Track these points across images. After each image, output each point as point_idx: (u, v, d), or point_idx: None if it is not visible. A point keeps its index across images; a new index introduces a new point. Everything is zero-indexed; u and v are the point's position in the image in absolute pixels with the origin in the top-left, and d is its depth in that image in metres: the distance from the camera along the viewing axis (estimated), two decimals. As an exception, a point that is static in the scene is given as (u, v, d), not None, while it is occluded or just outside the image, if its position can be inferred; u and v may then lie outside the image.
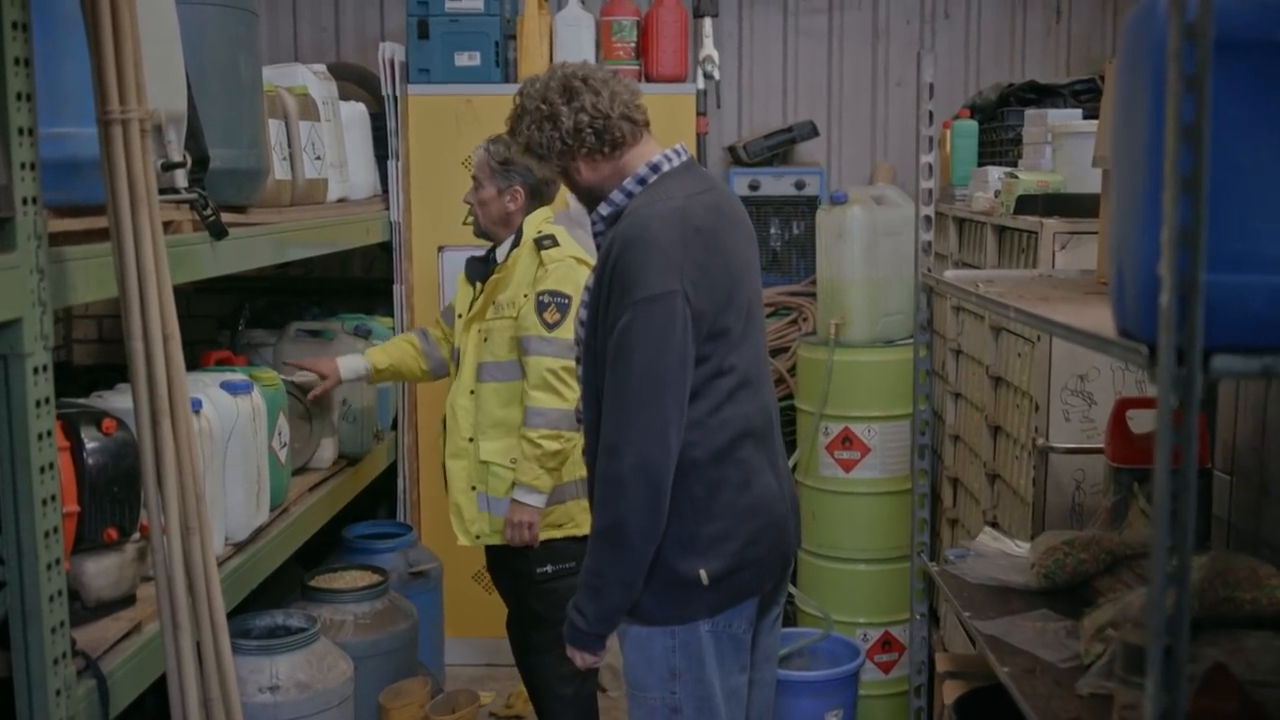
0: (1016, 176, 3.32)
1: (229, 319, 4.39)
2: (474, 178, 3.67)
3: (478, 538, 3.61)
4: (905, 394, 4.32)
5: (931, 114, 2.86)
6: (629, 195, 2.52)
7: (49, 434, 2.19)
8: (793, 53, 5.51)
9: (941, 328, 4.35)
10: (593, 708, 3.73)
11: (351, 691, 3.57)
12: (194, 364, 3.48)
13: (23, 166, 2.09)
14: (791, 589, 4.51)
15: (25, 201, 2.10)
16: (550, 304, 3.42)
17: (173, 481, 2.23)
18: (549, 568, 3.57)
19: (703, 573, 2.47)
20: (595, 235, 2.60)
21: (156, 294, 2.17)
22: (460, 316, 3.71)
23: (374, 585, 3.97)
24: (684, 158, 2.58)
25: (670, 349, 2.34)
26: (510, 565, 3.65)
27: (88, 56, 2.29)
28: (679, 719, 2.54)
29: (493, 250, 3.70)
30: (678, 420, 2.39)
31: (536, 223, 3.62)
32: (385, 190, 4.74)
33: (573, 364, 3.32)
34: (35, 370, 2.15)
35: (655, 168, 2.53)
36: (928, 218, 2.92)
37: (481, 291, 3.64)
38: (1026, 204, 3.26)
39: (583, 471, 3.32)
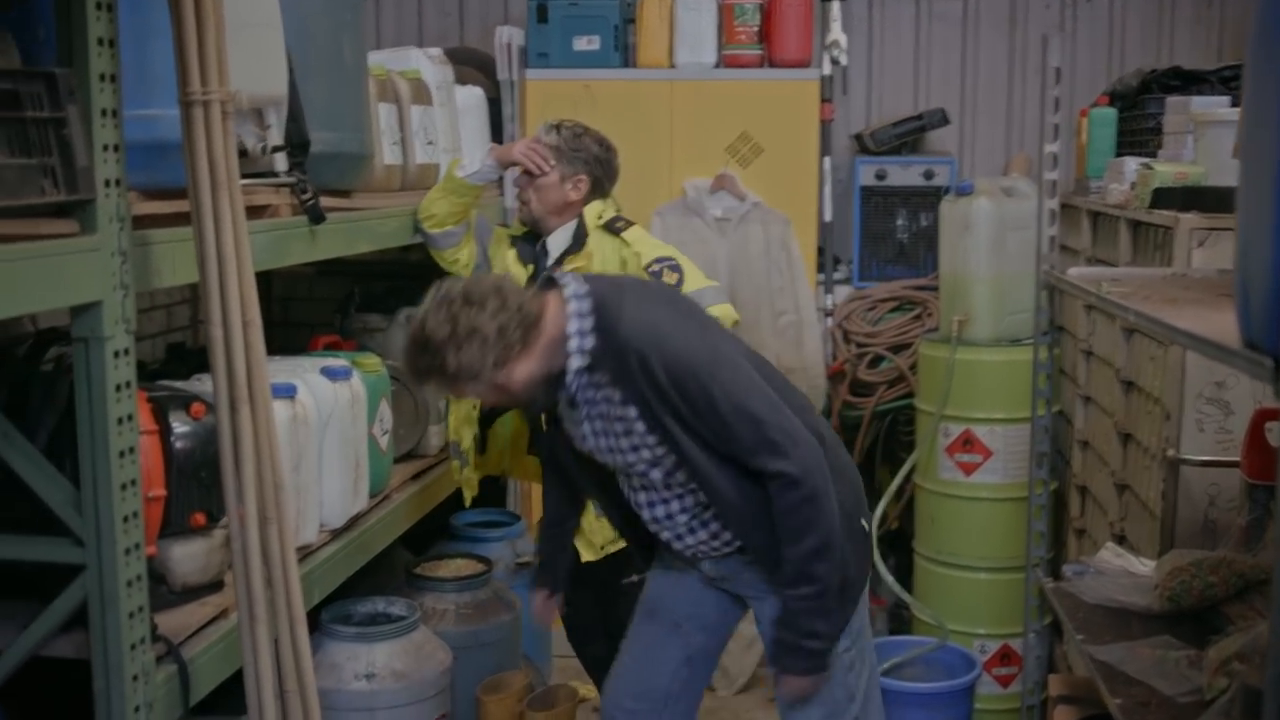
0: (1153, 168, 3.11)
1: (340, 305, 4.39)
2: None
3: (603, 549, 3.47)
4: (1030, 396, 4.13)
5: (1058, 100, 2.68)
6: (592, 326, 2.53)
7: (130, 418, 2.18)
8: (925, 37, 5.31)
9: (1073, 327, 4.14)
10: None
11: (449, 682, 3.53)
12: (305, 348, 3.50)
13: (105, 148, 2.08)
14: (906, 596, 4.36)
15: (108, 184, 2.08)
16: (662, 269, 3.32)
17: (250, 470, 2.19)
18: (635, 577, 3.46)
19: (863, 522, 2.67)
20: (577, 384, 2.59)
21: (236, 279, 2.13)
22: None
23: (477, 575, 3.92)
24: (574, 279, 2.61)
25: (753, 380, 2.54)
26: (596, 575, 3.54)
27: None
28: (853, 675, 2.68)
29: (542, 241, 3.55)
30: (791, 416, 2.54)
31: (597, 210, 3.50)
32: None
33: (718, 314, 3.21)
34: (116, 354, 2.13)
35: (579, 314, 2.54)
36: (1053, 210, 2.74)
37: (539, 280, 3.51)
38: (1163, 197, 3.05)
39: None
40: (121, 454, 2.15)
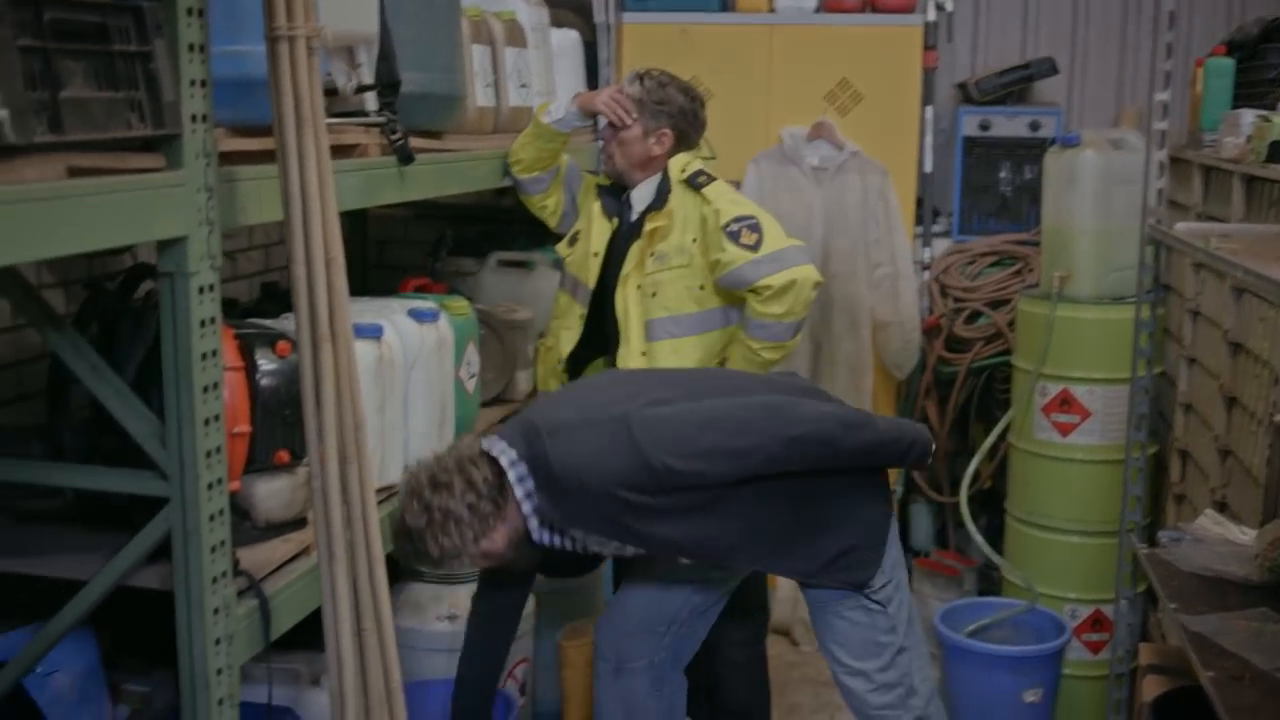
0: (1271, 120, 2.97)
1: (432, 248, 4.40)
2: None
3: None
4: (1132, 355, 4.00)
5: (1170, 47, 2.56)
6: (534, 487, 2.59)
7: (214, 354, 2.19)
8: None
9: (1180, 285, 3.99)
10: (765, 669, 3.60)
11: (531, 626, 3.55)
12: (395, 290, 3.50)
13: (192, 83, 2.07)
14: (996, 557, 4.27)
15: (194, 119, 2.08)
16: (740, 229, 3.22)
17: (331, 409, 2.19)
18: None
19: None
20: (544, 539, 2.67)
21: (320, 217, 2.12)
22: (596, 255, 3.49)
23: (562, 521, 3.92)
24: (503, 448, 2.64)
25: (692, 421, 2.61)
26: None
27: (270, -27, 2.26)
28: (892, 607, 2.73)
29: (626, 194, 3.48)
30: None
31: (680, 164, 3.41)
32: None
33: (798, 275, 3.21)
34: (201, 290, 2.14)
35: (512, 464, 2.60)
36: (1161, 163, 2.63)
37: (622, 234, 3.44)
38: (1281, 152, 2.92)
39: None
40: (205, 389, 2.16)
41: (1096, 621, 4.09)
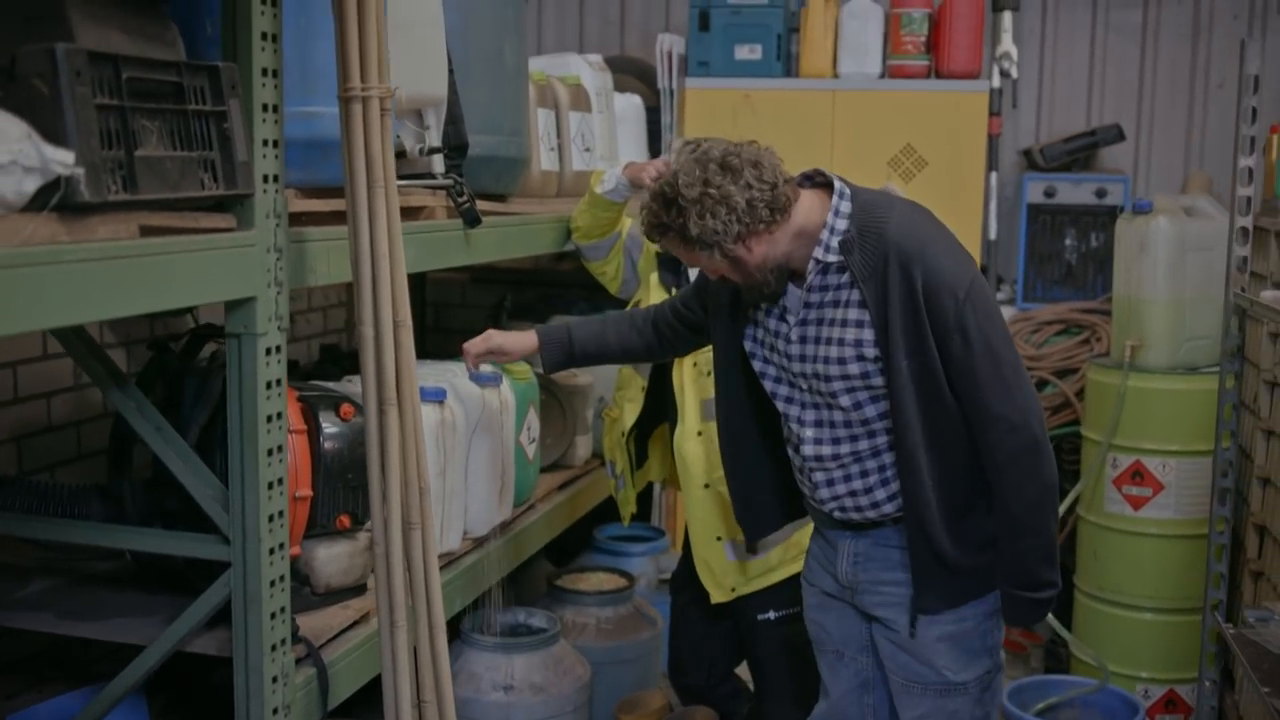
0: (1357, 188, 2.89)
1: (492, 311, 4.38)
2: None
3: (733, 590, 3.27)
4: (1207, 427, 3.89)
5: (1255, 110, 2.49)
6: (850, 226, 2.41)
7: (279, 416, 2.16)
8: (1100, 50, 5.10)
9: (1255, 356, 3.89)
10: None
11: (587, 698, 3.47)
12: (457, 354, 3.47)
13: (265, 143, 2.06)
14: (1065, 633, 4.15)
15: (266, 179, 2.07)
16: None
17: (396, 473, 2.15)
18: (772, 614, 3.31)
19: None
20: (811, 281, 2.47)
21: (389, 278, 2.10)
22: None
23: (620, 590, 3.86)
24: (839, 180, 2.49)
25: (1000, 316, 2.42)
26: (730, 613, 3.40)
27: (342, 36, 2.26)
28: (990, 695, 2.58)
29: (684, 265, 3.32)
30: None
31: None
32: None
33: None
34: (268, 351, 2.12)
35: (842, 194, 2.44)
36: (1244, 229, 2.56)
37: None
38: (1367, 220, 2.84)
39: None
40: (269, 452, 2.14)
41: (1170, 702, 3.95)
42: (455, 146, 2.82)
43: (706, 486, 3.21)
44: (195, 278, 1.93)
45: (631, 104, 4.42)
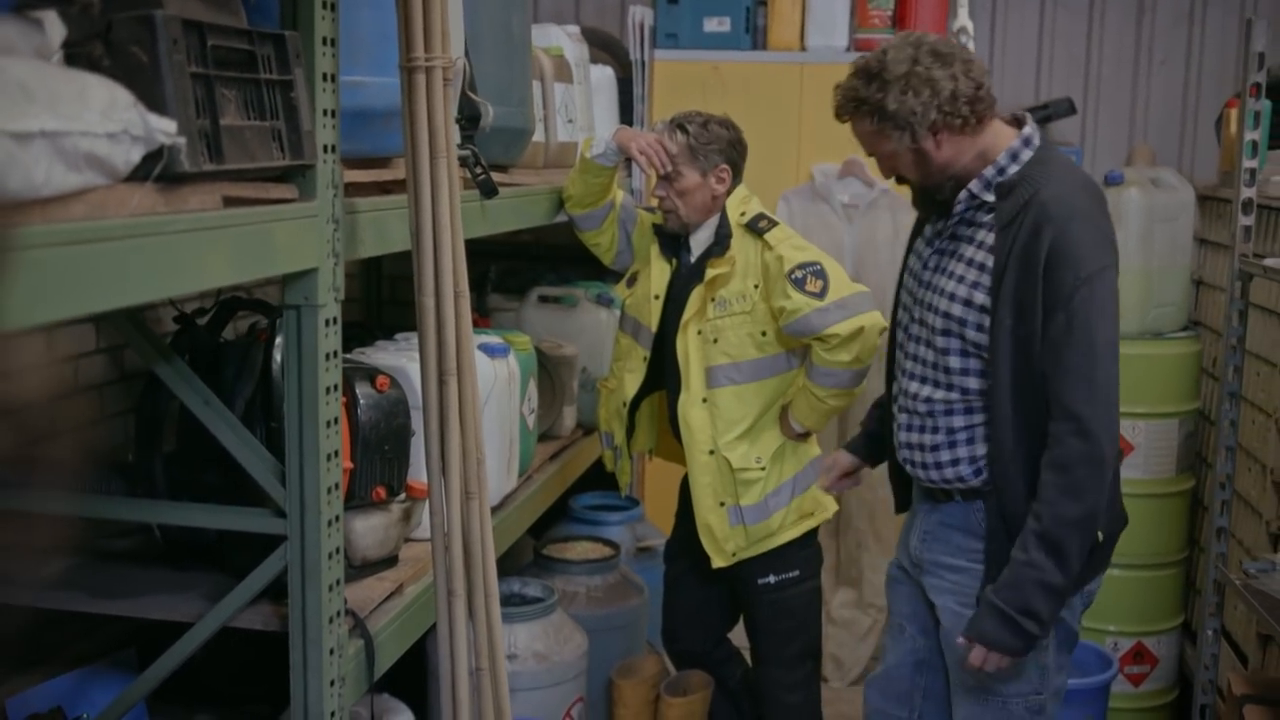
0: (1337, 159, 3.02)
1: (477, 282, 4.36)
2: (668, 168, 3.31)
3: (734, 555, 3.33)
4: (1175, 391, 4.05)
5: (1260, 87, 2.60)
6: (1021, 172, 2.40)
7: (336, 388, 2.16)
8: (1050, 24, 5.21)
9: (1211, 321, 4.05)
10: (819, 710, 3.57)
11: (586, 666, 3.51)
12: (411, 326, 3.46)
13: (325, 113, 2.05)
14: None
15: (325, 149, 2.06)
16: (805, 275, 3.14)
17: (455, 443, 2.16)
18: (771, 578, 3.36)
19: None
20: (969, 209, 2.45)
21: (450, 249, 2.10)
22: (657, 298, 3.39)
23: (608, 558, 3.89)
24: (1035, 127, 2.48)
25: (1117, 322, 2.34)
26: (730, 578, 3.46)
27: (381, 6, 2.25)
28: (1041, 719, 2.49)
29: (685, 236, 3.39)
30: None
31: (738, 204, 3.33)
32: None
33: (865, 322, 3.12)
34: (327, 322, 2.11)
35: (1028, 140, 2.43)
36: (1250, 201, 2.66)
37: (682, 276, 3.37)
38: (1345, 190, 2.97)
39: None
40: (328, 424, 2.13)
41: (1138, 654, 4.11)
42: (470, 117, 2.81)
43: (711, 452, 3.25)
44: (266, 249, 1.91)
45: (605, 76, 4.42)
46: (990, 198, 2.40)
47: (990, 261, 2.38)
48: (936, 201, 2.50)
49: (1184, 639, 4.24)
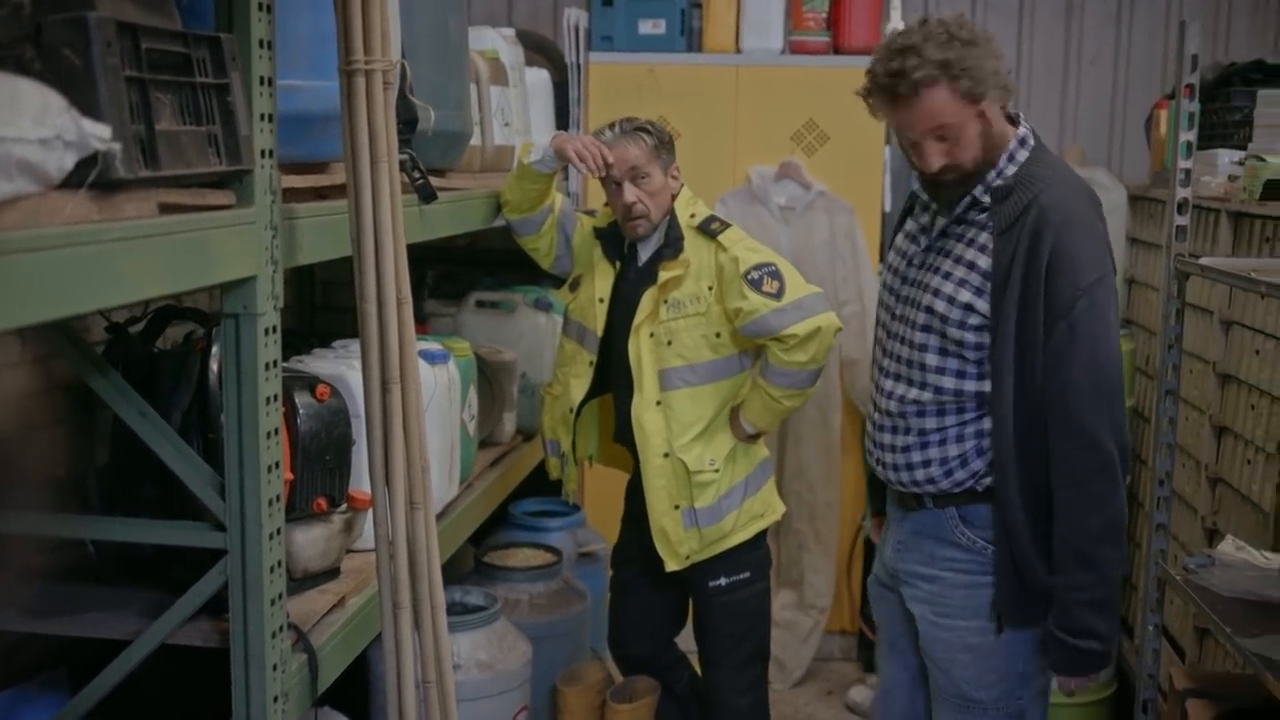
0: (1264, 159, 3.07)
1: (414, 288, 4.30)
2: (635, 170, 3.25)
3: (688, 558, 3.30)
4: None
5: (1193, 89, 2.63)
6: (1019, 172, 2.41)
7: (276, 398, 2.11)
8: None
9: (1144, 320, 4.10)
10: (768, 712, 3.56)
11: (530, 674, 3.47)
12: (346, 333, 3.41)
13: (262, 118, 2.00)
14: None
15: (263, 154, 2.01)
16: (762, 276, 3.14)
17: (399, 453, 2.12)
18: (723, 580, 3.35)
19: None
20: (967, 209, 2.43)
21: (392, 255, 2.06)
22: (602, 302, 3.36)
23: (549, 565, 3.86)
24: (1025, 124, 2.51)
25: (1117, 327, 2.35)
26: (682, 581, 3.44)
27: (318, 8, 2.21)
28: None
29: (629, 242, 3.36)
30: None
31: (686, 205, 3.31)
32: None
33: (822, 323, 3.12)
34: (266, 331, 2.07)
35: (1024, 141, 2.45)
36: (1185, 201, 2.70)
37: (628, 279, 3.34)
38: (1274, 189, 3.02)
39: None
40: (268, 435, 2.08)
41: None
42: (408, 121, 2.77)
43: (666, 455, 3.24)
44: (203, 258, 1.86)
45: (540, 79, 4.39)
46: (986, 199, 2.41)
47: (982, 262, 2.38)
48: (940, 196, 2.47)
49: (1124, 637, 4.28)
